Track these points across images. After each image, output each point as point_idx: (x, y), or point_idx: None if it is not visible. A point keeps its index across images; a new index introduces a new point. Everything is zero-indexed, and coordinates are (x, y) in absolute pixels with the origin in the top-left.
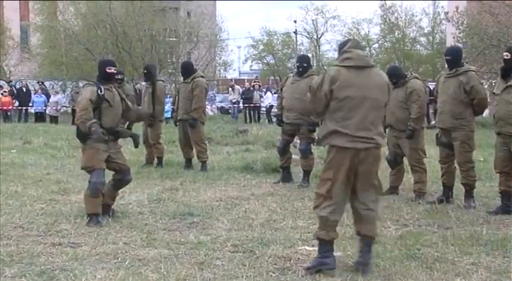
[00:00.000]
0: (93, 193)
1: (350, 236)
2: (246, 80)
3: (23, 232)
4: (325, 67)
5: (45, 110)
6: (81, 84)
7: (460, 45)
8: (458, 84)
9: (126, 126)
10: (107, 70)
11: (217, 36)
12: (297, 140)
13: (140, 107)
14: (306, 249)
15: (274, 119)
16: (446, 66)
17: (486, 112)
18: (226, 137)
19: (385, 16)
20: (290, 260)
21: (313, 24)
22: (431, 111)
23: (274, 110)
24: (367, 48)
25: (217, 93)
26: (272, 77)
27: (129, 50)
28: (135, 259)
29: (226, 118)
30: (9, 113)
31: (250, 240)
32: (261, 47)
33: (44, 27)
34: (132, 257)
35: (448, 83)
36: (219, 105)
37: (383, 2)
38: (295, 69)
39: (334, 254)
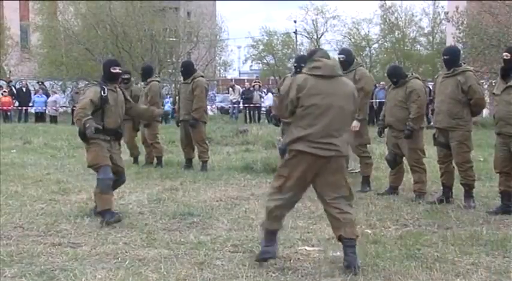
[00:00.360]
0: (103, 189)
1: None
2: (246, 80)
3: (23, 232)
4: None
5: (45, 110)
6: (81, 85)
7: (460, 45)
8: (456, 84)
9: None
10: (112, 70)
11: (217, 36)
12: None
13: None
14: (306, 249)
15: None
16: (444, 66)
17: (485, 112)
18: (226, 137)
19: (385, 16)
20: (290, 260)
21: (313, 24)
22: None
23: None
24: (367, 49)
25: (217, 93)
26: (272, 77)
27: (129, 50)
28: (135, 259)
29: (226, 118)
30: (9, 113)
31: (250, 240)
32: (261, 47)
33: (44, 27)
34: (132, 257)
35: (446, 83)
36: (219, 106)
37: (383, 2)
38: (294, 70)
39: (335, 254)
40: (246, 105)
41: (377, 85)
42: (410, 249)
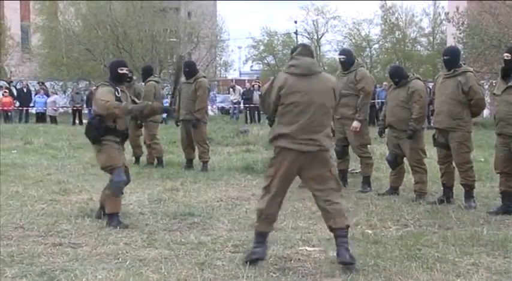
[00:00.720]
0: (116, 192)
1: (351, 236)
2: (246, 81)
3: (23, 232)
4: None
5: (45, 110)
6: (81, 85)
7: (460, 45)
8: (457, 84)
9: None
10: (119, 71)
11: (218, 37)
12: None
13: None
14: (306, 249)
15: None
16: (444, 66)
17: (486, 113)
18: (227, 137)
19: (385, 16)
20: (291, 260)
21: (314, 24)
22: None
23: None
24: (368, 49)
25: (218, 93)
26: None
27: (129, 51)
28: (136, 260)
29: (227, 118)
30: (9, 114)
31: (251, 240)
32: (262, 47)
33: (45, 27)
34: (132, 258)
35: (446, 84)
36: (219, 106)
37: (383, 2)
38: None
39: (335, 254)
40: (247, 105)
41: (378, 85)
42: (411, 249)
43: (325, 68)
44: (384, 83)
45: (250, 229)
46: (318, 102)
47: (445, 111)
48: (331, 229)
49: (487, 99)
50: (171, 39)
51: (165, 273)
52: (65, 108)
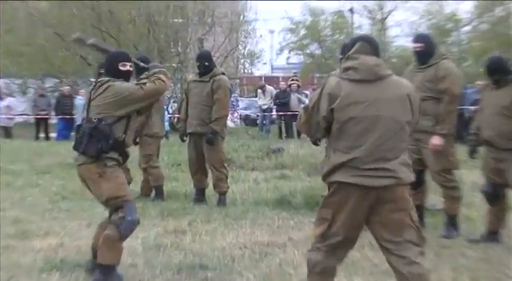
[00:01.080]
0: (126, 234)
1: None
2: (281, 78)
3: None
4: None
5: None
6: (48, 84)
7: None
8: None
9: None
10: (121, 68)
11: (241, 17)
12: None
13: None
14: None
15: None
16: None
17: None
18: (253, 158)
19: None
20: None
21: None
22: None
23: None
24: (455, 33)
25: (241, 96)
26: (317, 74)
27: (116, 36)
28: None
29: (254, 132)
30: None
31: None
32: (303, 31)
33: None
34: None
35: None
36: (242, 114)
37: None
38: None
39: None
40: (281, 113)
41: (470, 85)
42: None
43: (393, 60)
44: (478, 82)
45: None
46: (388, 116)
47: None
48: None
49: None
50: (176, 20)
51: None
52: (24, 116)
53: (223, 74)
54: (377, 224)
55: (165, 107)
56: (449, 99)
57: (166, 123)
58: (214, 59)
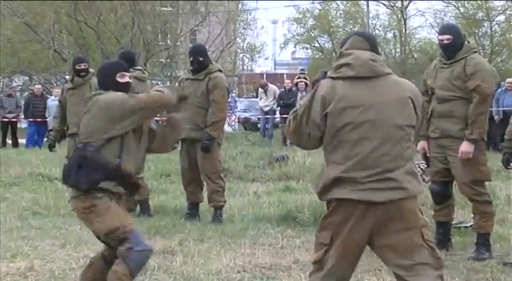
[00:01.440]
0: (135, 269)
1: None
2: (285, 76)
3: None
4: (414, 55)
5: None
6: (17, 82)
7: None
8: None
9: None
10: (119, 79)
11: (239, 5)
12: None
13: None
14: None
15: None
16: None
17: None
18: (254, 168)
19: None
20: None
21: None
22: None
23: None
24: (487, 24)
25: (240, 97)
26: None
27: (96, 27)
28: None
29: (254, 137)
30: None
31: None
32: (311, 22)
33: None
34: None
35: None
36: (241, 117)
37: None
38: None
39: None
40: (286, 116)
41: (506, 84)
42: None
43: (414, 55)
44: (509, 80)
45: None
46: (388, 120)
47: None
48: None
49: None
50: (164, 9)
51: None
52: None
53: (220, 71)
54: (383, 248)
55: None
56: (480, 99)
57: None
58: (209, 53)
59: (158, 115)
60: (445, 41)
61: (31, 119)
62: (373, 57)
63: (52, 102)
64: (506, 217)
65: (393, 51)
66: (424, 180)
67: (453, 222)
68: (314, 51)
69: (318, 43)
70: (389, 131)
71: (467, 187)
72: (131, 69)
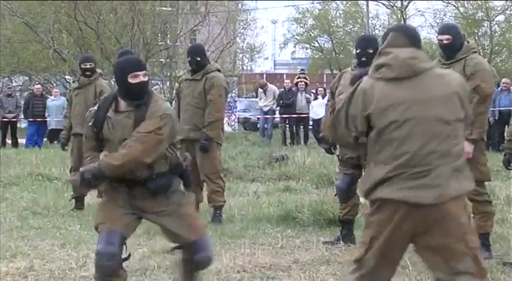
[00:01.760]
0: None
1: None
2: (285, 76)
3: None
4: None
5: None
6: (17, 82)
7: None
8: None
9: None
10: (131, 80)
11: (239, 5)
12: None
13: None
14: None
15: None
16: None
17: None
18: (254, 167)
19: None
20: None
21: None
22: None
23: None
24: (486, 24)
25: (239, 97)
26: (328, 71)
27: (95, 27)
28: None
29: (254, 137)
30: None
31: None
32: (311, 21)
33: None
34: None
35: None
36: (241, 117)
37: None
38: (355, 59)
39: None
40: (286, 116)
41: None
42: None
43: None
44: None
45: None
46: (433, 117)
47: None
48: None
49: None
50: (164, 9)
51: None
52: None
53: (219, 70)
54: (426, 249)
55: None
56: (480, 99)
57: None
58: (208, 53)
59: None
60: (445, 41)
61: (31, 119)
62: (413, 54)
63: (52, 102)
64: (506, 217)
65: None
66: None
67: None
68: (314, 51)
69: (318, 43)
70: (435, 127)
71: None
72: None
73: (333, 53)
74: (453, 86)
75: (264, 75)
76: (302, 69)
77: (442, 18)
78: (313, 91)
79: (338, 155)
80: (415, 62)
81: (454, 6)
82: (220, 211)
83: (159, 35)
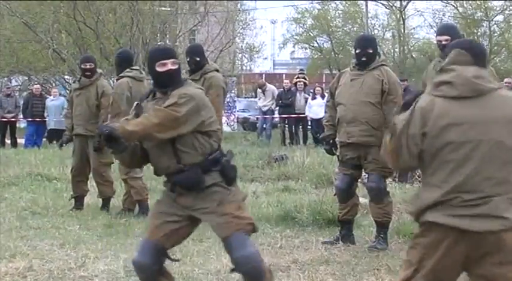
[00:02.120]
0: None
1: None
2: (284, 76)
3: None
4: (413, 55)
5: None
6: (16, 82)
7: None
8: None
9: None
10: (158, 69)
11: (238, 5)
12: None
13: None
14: None
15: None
16: None
17: None
18: (253, 168)
19: None
20: None
21: None
22: None
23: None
24: (485, 24)
25: (239, 97)
26: (327, 71)
27: (95, 27)
28: None
29: (253, 137)
30: None
31: None
32: (310, 21)
33: None
34: None
35: None
36: (240, 117)
37: None
38: (355, 59)
39: None
40: (285, 116)
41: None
42: None
43: (413, 55)
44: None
45: None
46: (494, 141)
47: None
48: None
49: None
50: (163, 9)
51: None
52: None
53: (217, 70)
54: (479, 278)
55: None
56: None
57: None
58: (207, 53)
59: None
60: (444, 42)
61: (30, 119)
62: (478, 74)
63: (51, 102)
64: None
65: (392, 51)
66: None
67: None
68: (313, 51)
69: (317, 43)
70: (495, 152)
71: None
72: (128, 70)
73: (332, 53)
74: None
75: (263, 75)
76: (301, 69)
77: (441, 18)
78: (311, 91)
79: (338, 156)
80: (480, 82)
81: (453, 6)
82: None
83: (158, 35)
